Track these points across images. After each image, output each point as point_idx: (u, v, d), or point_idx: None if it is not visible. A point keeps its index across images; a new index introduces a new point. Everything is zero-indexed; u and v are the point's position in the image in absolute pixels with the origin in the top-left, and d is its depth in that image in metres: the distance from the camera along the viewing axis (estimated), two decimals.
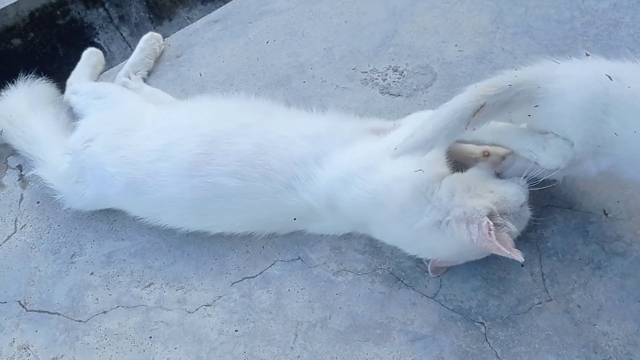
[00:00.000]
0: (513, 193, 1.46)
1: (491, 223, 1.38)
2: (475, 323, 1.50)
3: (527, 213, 1.49)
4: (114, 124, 1.74)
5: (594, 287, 1.52)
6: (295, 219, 1.65)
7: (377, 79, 2.03)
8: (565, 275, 1.55)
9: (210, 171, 1.60)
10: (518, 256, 1.35)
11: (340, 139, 1.63)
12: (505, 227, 1.42)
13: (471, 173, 1.52)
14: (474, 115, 1.34)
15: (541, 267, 1.56)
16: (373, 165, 1.54)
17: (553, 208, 1.65)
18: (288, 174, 1.58)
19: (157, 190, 1.63)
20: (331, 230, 1.67)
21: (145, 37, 2.19)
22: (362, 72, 2.05)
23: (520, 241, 1.59)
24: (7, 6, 2.48)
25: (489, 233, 1.35)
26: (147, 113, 1.77)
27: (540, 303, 1.51)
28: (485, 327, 1.50)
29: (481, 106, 1.33)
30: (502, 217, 1.43)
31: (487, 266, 1.58)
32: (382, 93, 1.99)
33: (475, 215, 1.39)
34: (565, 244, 1.59)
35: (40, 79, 2.09)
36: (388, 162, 1.50)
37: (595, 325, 1.47)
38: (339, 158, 1.59)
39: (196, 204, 1.63)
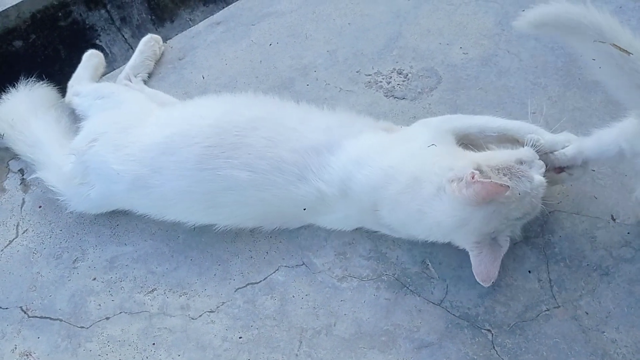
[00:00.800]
0: (510, 152, 1.48)
1: (477, 173, 1.39)
2: (482, 330, 1.49)
3: (538, 179, 1.45)
4: (119, 123, 1.73)
5: (602, 294, 1.50)
6: (305, 209, 1.62)
7: (381, 81, 2.01)
8: (572, 281, 1.53)
9: (219, 164, 1.58)
10: (503, 182, 1.37)
11: (352, 131, 1.63)
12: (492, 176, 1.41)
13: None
14: (616, 46, 1.25)
15: (548, 273, 1.55)
16: (386, 147, 1.57)
17: (560, 213, 1.64)
18: (301, 164, 1.57)
19: (163, 184, 1.61)
20: (341, 223, 1.65)
21: (144, 39, 2.17)
22: (366, 75, 2.04)
23: (527, 247, 1.59)
24: (8, 8, 2.46)
25: (472, 177, 1.37)
26: (152, 112, 1.76)
27: (547, 310, 1.50)
28: (493, 334, 1.48)
29: (626, 51, 1.24)
30: (495, 171, 1.43)
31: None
32: (386, 96, 1.97)
33: (462, 171, 1.41)
34: (573, 250, 1.58)
35: (42, 82, 2.07)
36: (401, 144, 1.57)
37: (604, 332, 1.45)
38: (352, 144, 1.59)
39: (204, 197, 1.62)
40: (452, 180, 1.42)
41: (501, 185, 1.36)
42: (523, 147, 1.54)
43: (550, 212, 1.64)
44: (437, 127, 1.65)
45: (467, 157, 1.50)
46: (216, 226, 1.70)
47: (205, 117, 1.67)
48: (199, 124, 1.65)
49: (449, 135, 1.63)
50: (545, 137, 1.57)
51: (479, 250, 1.46)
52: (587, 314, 1.48)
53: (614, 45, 1.26)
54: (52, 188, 1.80)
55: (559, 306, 1.50)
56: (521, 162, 1.46)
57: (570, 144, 1.57)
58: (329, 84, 2.04)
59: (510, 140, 1.62)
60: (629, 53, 1.26)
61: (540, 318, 1.49)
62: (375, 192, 1.54)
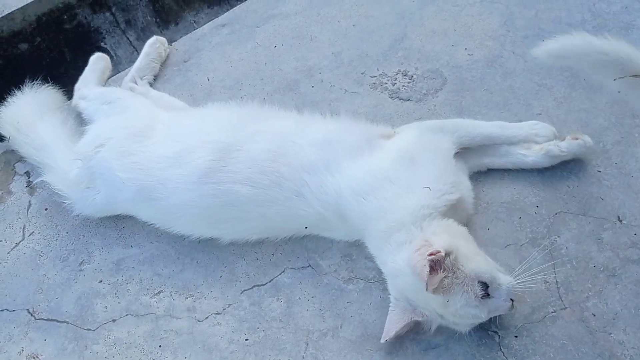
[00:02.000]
0: (486, 270, 1.39)
1: (438, 255, 1.35)
2: (489, 332, 1.48)
3: (475, 312, 1.37)
4: (125, 129, 1.74)
5: (608, 295, 1.50)
6: (306, 228, 1.64)
7: (386, 83, 2.01)
8: (579, 283, 1.53)
9: (222, 178, 1.59)
10: (438, 281, 1.33)
11: (349, 146, 1.62)
12: (447, 273, 1.36)
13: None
14: (634, 75, 1.24)
15: (555, 275, 1.54)
16: (384, 176, 1.54)
17: (567, 214, 1.63)
18: (298, 181, 1.57)
19: (168, 197, 1.62)
20: (343, 237, 1.66)
21: (150, 41, 2.18)
22: (371, 77, 2.04)
23: (534, 249, 1.58)
24: (14, 11, 2.47)
25: (428, 254, 1.34)
26: (158, 119, 1.77)
27: (554, 311, 1.49)
28: (499, 336, 1.48)
29: None
30: (452, 268, 1.37)
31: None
32: (391, 97, 1.97)
33: (434, 242, 1.39)
34: (580, 251, 1.57)
35: (47, 85, 2.08)
36: (400, 171, 1.53)
37: (611, 334, 1.45)
38: (349, 166, 1.58)
39: (207, 211, 1.62)
40: (422, 245, 1.39)
41: (431, 279, 1.32)
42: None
43: (556, 214, 1.64)
44: (437, 145, 1.62)
45: (452, 234, 1.45)
46: (220, 240, 1.71)
47: (210, 133, 1.68)
48: (204, 140, 1.66)
49: (450, 154, 1.63)
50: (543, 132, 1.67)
51: (392, 307, 1.47)
52: (594, 315, 1.48)
53: (634, 75, 1.25)
54: (58, 192, 1.81)
55: (566, 308, 1.50)
56: (486, 286, 1.37)
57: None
58: (334, 85, 2.04)
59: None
60: None
61: (547, 320, 1.49)
62: (368, 222, 1.54)
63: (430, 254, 1.35)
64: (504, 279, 1.40)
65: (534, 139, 1.70)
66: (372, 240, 1.55)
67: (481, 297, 1.36)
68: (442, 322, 1.44)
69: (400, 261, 1.43)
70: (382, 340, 1.44)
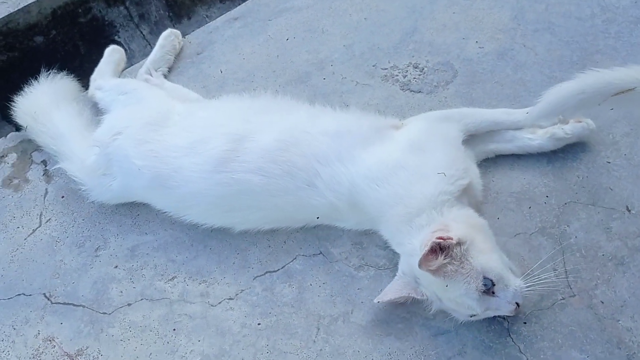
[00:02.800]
0: (496, 266, 1.40)
1: (450, 241, 1.38)
2: (498, 318, 1.50)
3: (472, 304, 1.40)
4: (142, 118, 1.77)
5: (617, 283, 1.51)
6: (318, 218, 1.67)
7: (397, 75, 2.03)
8: (588, 271, 1.54)
9: (235, 167, 1.62)
10: (439, 266, 1.37)
11: (360, 136, 1.65)
12: (452, 260, 1.39)
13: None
14: (616, 94, 1.28)
15: (564, 263, 1.56)
16: (397, 163, 1.57)
17: (576, 204, 1.65)
18: (310, 171, 1.60)
19: (182, 185, 1.65)
20: (355, 227, 1.68)
21: (164, 33, 2.21)
22: (382, 69, 2.06)
23: (544, 238, 1.60)
24: (30, 4, 2.51)
25: (437, 237, 1.37)
26: (174, 110, 1.80)
27: (563, 299, 1.51)
28: (508, 322, 1.50)
29: (629, 90, 1.27)
30: (460, 257, 1.40)
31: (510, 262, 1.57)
32: (402, 90, 1.99)
33: (450, 228, 1.42)
34: (589, 240, 1.59)
35: (62, 74, 2.11)
36: (411, 158, 1.55)
37: (619, 321, 1.46)
38: (361, 156, 1.61)
39: (220, 200, 1.65)
40: (439, 229, 1.43)
41: (425, 258, 1.35)
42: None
43: (565, 204, 1.66)
44: (445, 133, 1.66)
45: (472, 225, 1.48)
46: (233, 230, 1.73)
47: (224, 125, 1.71)
48: (218, 131, 1.69)
49: (459, 141, 1.66)
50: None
51: (397, 278, 1.51)
52: (602, 303, 1.49)
53: (616, 95, 1.30)
54: (74, 178, 1.85)
55: (575, 295, 1.52)
56: (492, 283, 1.38)
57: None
58: (345, 77, 2.06)
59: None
60: (632, 89, 1.28)
61: (556, 307, 1.51)
62: (383, 208, 1.57)
63: (440, 238, 1.38)
64: (513, 281, 1.41)
65: (538, 123, 1.72)
66: (387, 225, 1.57)
67: (482, 292, 1.38)
68: (440, 306, 1.47)
69: (416, 242, 1.46)
70: (375, 301, 1.49)
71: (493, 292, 1.39)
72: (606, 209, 1.63)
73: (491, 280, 1.38)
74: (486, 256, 1.42)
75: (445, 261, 1.38)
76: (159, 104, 1.84)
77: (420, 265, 1.36)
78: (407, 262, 1.49)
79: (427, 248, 1.35)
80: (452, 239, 1.39)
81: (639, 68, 1.31)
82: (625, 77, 1.30)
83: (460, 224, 1.45)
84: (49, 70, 2.11)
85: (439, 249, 1.38)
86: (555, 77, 1.92)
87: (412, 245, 1.47)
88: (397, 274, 1.52)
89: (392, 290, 1.48)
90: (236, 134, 1.67)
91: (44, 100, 2.00)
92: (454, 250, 1.40)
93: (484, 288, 1.38)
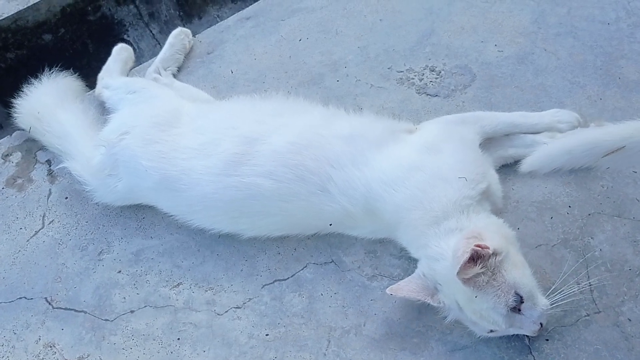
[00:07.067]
0: (526, 283, 1.34)
1: (485, 251, 1.32)
2: (519, 335, 1.43)
3: (498, 320, 1.33)
4: (150, 118, 1.71)
5: None
6: (330, 225, 1.60)
7: (413, 78, 1.97)
8: (614, 286, 1.47)
9: (245, 171, 1.56)
10: (474, 274, 1.32)
11: (374, 139, 1.59)
12: (487, 271, 1.33)
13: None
14: (607, 155, 1.27)
15: (588, 277, 1.48)
16: (414, 165, 1.51)
17: (601, 215, 1.57)
18: (323, 175, 1.54)
19: (190, 188, 1.59)
20: (369, 235, 1.62)
21: (174, 32, 2.16)
22: (397, 72, 2.00)
23: (567, 250, 1.53)
24: (39, 1, 2.48)
25: (474, 244, 1.30)
26: (184, 110, 1.75)
27: (587, 315, 1.44)
28: (530, 339, 1.42)
29: (619, 148, 1.26)
30: (493, 269, 1.34)
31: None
32: (418, 93, 1.93)
33: (485, 238, 1.35)
34: (614, 253, 1.51)
35: (65, 73, 2.05)
36: (428, 160, 1.50)
37: None
38: (376, 159, 1.55)
39: (229, 204, 1.59)
40: (473, 235, 1.36)
41: (464, 266, 1.29)
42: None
43: (589, 215, 1.58)
44: (462, 135, 1.61)
45: (504, 236, 1.42)
46: (241, 236, 1.67)
47: (235, 127, 1.66)
48: (229, 133, 1.64)
49: (476, 144, 1.61)
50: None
51: (417, 278, 1.43)
52: (629, 320, 1.42)
53: (607, 155, 1.28)
54: (79, 178, 1.79)
55: (600, 312, 1.44)
56: (521, 301, 1.32)
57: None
58: (359, 80, 2.00)
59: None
60: (621, 148, 1.26)
61: (580, 323, 1.43)
62: (400, 213, 1.50)
63: (477, 245, 1.31)
64: (541, 301, 1.35)
65: (557, 126, 1.67)
66: (407, 229, 1.50)
67: (511, 309, 1.32)
68: (459, 316, 1.41)
69: (444, 245, 1.40)
70: (387, 291, 1.41)
71: (519, 310, 1.32)
72: (633, 220, 1.56)
73: (521, 297, 1.31)
74: (520, 271, 1.35)
75: (480, 270, 1.31)
76: (168, 104, 1.78)
77: (457, 274, 1.28)
78: (429, 265, 1.42)
79: (467, 255, 1.28)
80: (488, 248, 1.33)
81: (624, 126, 1.29)
82: (612, 136, 1.28)
83: (493, 233, 1.38)
84: (57, 68, 2.05)
85: (477, 257, 1.32)
86: (578, 82, 1.85)
87: (438, 249, 1.41)
88: (415, 271, 1.45)
89: (408, 289, 1.40)
90: (248, 137, 1.61)
91: (48, 100, 1.95)
92: (489, 260, 1.34)
93: (513, 304, 1.31)
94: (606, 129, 1.32)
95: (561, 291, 1.37)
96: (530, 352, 1.41)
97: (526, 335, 1.42)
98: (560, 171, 1.61)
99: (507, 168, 1.69)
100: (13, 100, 1.99)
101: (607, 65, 1.87)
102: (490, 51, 1.99)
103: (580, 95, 1.82)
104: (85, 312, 1.64)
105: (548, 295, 1.37)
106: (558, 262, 1.52)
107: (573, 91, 1.84)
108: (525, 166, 1.57)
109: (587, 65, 1.88)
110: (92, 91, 2.08)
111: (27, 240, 1.81)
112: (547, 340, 1.42)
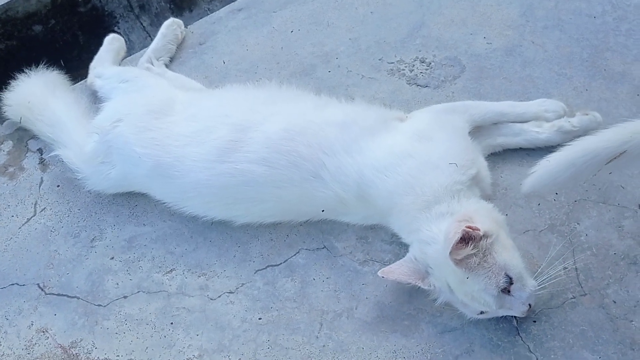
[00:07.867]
0: (515, 264, 1.37)
1: (476, 233, 1.34)
2: (507, 316, 1.46)
3: (489, 301, 1.36)
4: (144, 106, 1.72)
5: (629, 283, 1.48)
6: (323, 211, 1.62)
7: (404, 69, 2.00)
8: (599, 270, 1.50)
9: (238, 158, 1.57)
10: (465, 255, 1.34)
11: (366, 127, 1.61)
12: (478, 252, 1.36)
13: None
14: (609, 161, 1.26)
15: (574, 261, 1.52)
16: (405, 152, 1.54)
17: (586, 202, 1.61)
18: (316, 162, 1.56)
19: (184, 175, 1.61)
20: (361, 221, 1.64)
21: (166, 22, 2.16)
22: (388, 63, 2.02)
23: (553, 235, 1.56)
24: None
25: (462, 221, 1.34)
26: (177, 99, 1.76)
27: (574, 298, 1.47)
28: (517, 320, 1.45)
29: (621, 153, 1.25)
30: (484, 251, 1.36)
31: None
32: (409, 84, 1.96)
33: (475, 221, 1.37)
34: (599, 238, 1.55)
35: (53, 68, 2.03)
36: (419, 147, 1.53)
37: (632, 321, 1.42)
38: (368, 146, 1.57)
39: (223, 191, 1.61)
40: (464, 218, 1.38)
41: (456, 247, 1.31)
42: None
43: (575, 201, 1.62)
44: (452, 123, 1.64)
45: (494, 220, 1.45)
46: (234, 223, 1.68)
47: (228, 114, 1.67)
48: (222, 121, 1.65)
49: (465, 132, 1.64)
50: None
51: (408, 261, 1.46)
52: (614, 302, 1.45)
53: (610, 161, 1.27)
54: (71, 166, 1.79)
55: (586, 294, 1.48)
56: (510, 282, 1.35)
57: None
58: (351, 70, 2.02)
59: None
60: (621, 153, 1.25)
61: (566, 306, 1.46)
62: (392, 198, 1.53)
63: (469, 227, 1.33)
64: (530, 282, 1.38)
65: (544, 115, 1.72)
66: (399, 214, 1.53)
67: (501, 290, 1.35)
68: (449, 299, 1.44)
69: (436, 229, 1.42)
70: (379, 273, 1.43)
71: (509, 291, 1.35)
72: (617, 207, 1.60)
73: (511, 278, 1.35)
74: (509, 253, 1.38)
75: (472, 252, 1.34)
76: (161, 92, 1.79)
77: (449, 255, 1.31)
78: (421, 249, 1.45)
79: (458, 235, 1.30)
80: (479, 229, 1.35)
81: (621, 129, 1.28)
82: (610, 142, 1.26)
83: (483, 217, 1.41)
84: (47, 59, 2.05)
85: (468, 238, 1.35)
86: (565, 74, 1.89)
87: (430, 233, 1.43)
88: (407, 255, 1.47)
89: (400, 272, 1.43)
90: (241, 124, 1.63)
91: (38, 90, 1.94)
92: (480, 242, 1.36)
93: (504, 285, 1.34)
94: (602, 135, 1.29)
95: (548, 273, 1.40)
96: (518, 333, 1.44)
97: (514, 317, 1.45)
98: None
99: (496, 156, 1.72)
100: (2, 92, 1.98)
101: (593, 58, 1.91)
102: (480, 43, 2.02)
103: (566, 87, 1.86)
104: (78, 298, 1.64)
105: (535, 278, 1.40)
106: (545, 247, 1.55)
107: (560, 82, 1.88)
108: (526, 187, 1.42)
109: (573, 58, 1.92)
110: (84, 80, 2.09)
111: (19, 228, 1.80)
112: (535, 321, 1.45)
